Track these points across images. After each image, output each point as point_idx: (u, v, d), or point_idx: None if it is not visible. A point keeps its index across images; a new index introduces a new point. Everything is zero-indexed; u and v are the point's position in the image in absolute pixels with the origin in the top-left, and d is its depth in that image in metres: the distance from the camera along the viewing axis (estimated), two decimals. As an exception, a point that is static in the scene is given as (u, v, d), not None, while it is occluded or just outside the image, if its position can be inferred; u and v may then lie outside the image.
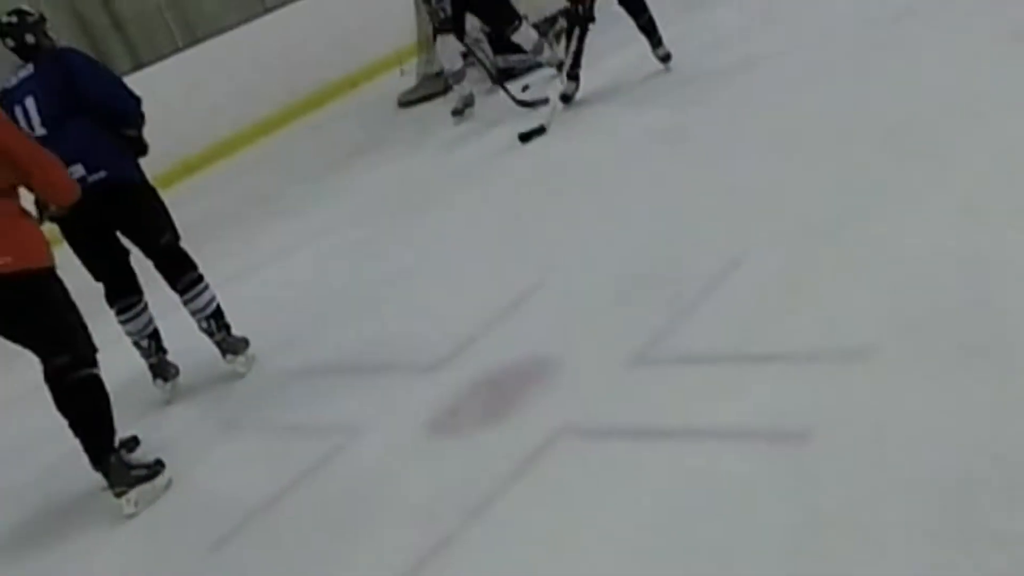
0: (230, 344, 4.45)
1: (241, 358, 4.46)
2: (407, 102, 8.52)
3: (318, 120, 9.45)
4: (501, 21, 7.14)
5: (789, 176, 4.16)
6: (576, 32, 6.45)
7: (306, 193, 7.08)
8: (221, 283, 4.61)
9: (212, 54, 9.23)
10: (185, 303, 4.40)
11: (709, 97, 5.67)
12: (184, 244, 4.44)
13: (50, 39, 4.40)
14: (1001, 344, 2.58)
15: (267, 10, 9.70)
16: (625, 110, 6.16)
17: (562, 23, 7.95)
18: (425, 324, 4.20)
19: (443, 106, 7.75)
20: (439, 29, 7.21)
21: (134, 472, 3.68)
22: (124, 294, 4.39)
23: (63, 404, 3.61)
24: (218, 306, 4.45)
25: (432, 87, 8.53)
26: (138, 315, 4.45)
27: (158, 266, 4.41)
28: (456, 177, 6.17)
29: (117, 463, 3.66)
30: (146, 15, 9.45)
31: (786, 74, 5.45)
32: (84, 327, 3.72)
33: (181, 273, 4.36)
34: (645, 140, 5.40)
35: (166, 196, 4.58)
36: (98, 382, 3.66)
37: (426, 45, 8.71)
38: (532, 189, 5.39)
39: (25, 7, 4.46)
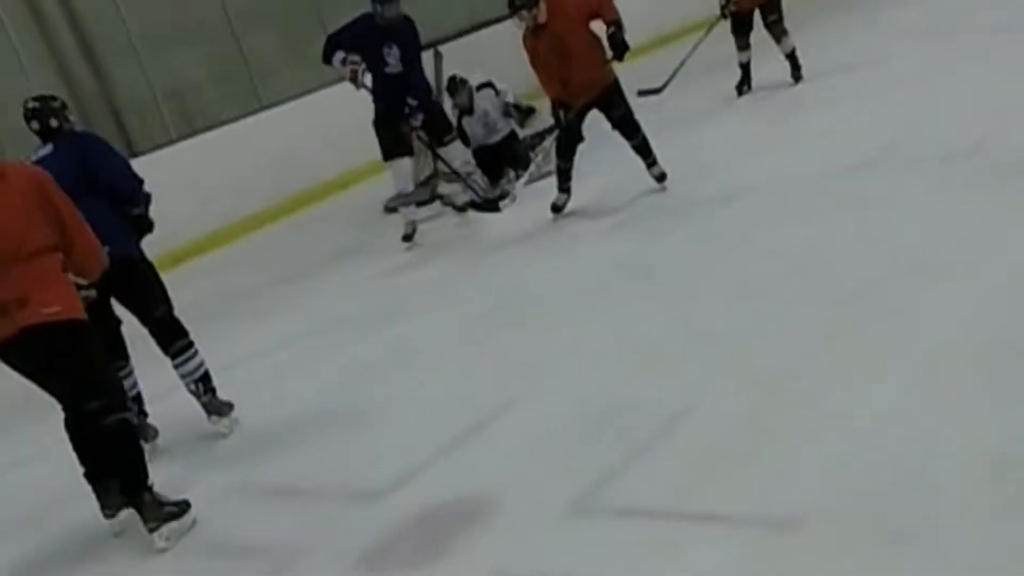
0: (215, 406, 4.77)
1: (225, 420, 4.78)
2: (392, 208, 8.54)
3: (306, 220, 9.48)
4: (440, 132, 7.34)
5: (749, 325, 4.16)
6: (561, 144, 6.62)
7: (281, 295, 7.09)
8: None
9: (206, 146, 9.29)
10: (176, 367, 4.73)
11: (683, 230, 5.75)
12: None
13: (70, 122, 4.79)
14: (930, 531, 2.55)
15: (264, 107, 9.77)
16: (599, 236, 6.20)
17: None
18: (374, 447, 4.16)
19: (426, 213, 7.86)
20: (393, 152, 7.28)
21: (167, 509, 3.93)
22: (113, 358, 4.54)
23: (95, 447, 3.93)
24: (206, 371, 4.77)
25: (418, 195, 8.56)
26: (124, 378, 4.66)
27: (153, 334, 4.74)
28: (426, 291, 6.19)
29: (151, 500, 3.91)
30: (143, 104, 9.54)
31: (761, 212, 5.56)
32: (117, 375, 4.24)
33: (173, 340, 4.71)
34: (614, 272, 5.41)
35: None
36: (131, 425, 3.98)
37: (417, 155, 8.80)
38: (498, 312, 5.37)
39: (48, 93, 4.94)
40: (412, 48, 7.04)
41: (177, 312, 4.79)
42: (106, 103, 9.66)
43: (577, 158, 6.67)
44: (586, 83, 6.38)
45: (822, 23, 10.69)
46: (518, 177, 7.97)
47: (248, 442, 4.65)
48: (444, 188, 7.86)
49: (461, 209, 7.54)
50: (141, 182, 4.79)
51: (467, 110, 8.20)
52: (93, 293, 4.11)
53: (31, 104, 4.71)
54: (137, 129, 9.72)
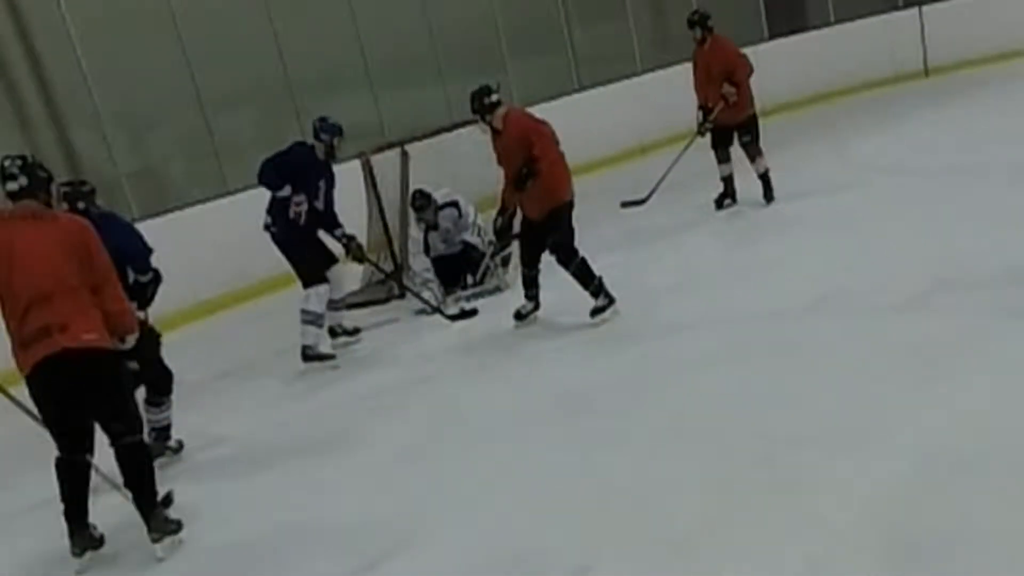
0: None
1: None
2: (351, 304, 8.47)
3: (264, 308, 9.36)
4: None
5: (662, 482, 4.09)
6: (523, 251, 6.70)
7: (223, 389, 7.00)
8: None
9: (169, 228, 9.22)
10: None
11: (621, 361, 5.70)
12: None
13: (97, 206, 5.43)
14: None
15: (229, 192, 9.71)
16: (538, 359, 6.13)
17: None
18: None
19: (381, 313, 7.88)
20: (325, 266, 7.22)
21: (169, 524, 4.51)
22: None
23: (119, 462, 4.44)
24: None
25: (375, 293, 8.54)
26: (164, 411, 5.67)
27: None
28: (364, 402, 6.06)
29: (159, 513, 4.49)
30: (110, 182, 9.48)
31: (696, 352, 5.52)
32: (136, 404, 4.69)
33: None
34: (544, 401, 5.34)
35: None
36: (145, 447, 4.60)
37: (374, 250, 8.78)
38: (418, 436, 5.30)
39: (83, 179, 5.67)
40: (333, 186, 7.16)
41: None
42: (70, 174, 9.63)
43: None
44: (533, 198, 6.41)
45: (794, 145, 10.81)
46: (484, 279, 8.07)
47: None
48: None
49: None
50: (151, 252, 5.47)
51: (432, 226, 8.19)
52: (135, 365, 4.88)
53: (64, 188, 5.03)
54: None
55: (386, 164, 8.81)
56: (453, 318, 7.28)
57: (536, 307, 6.73)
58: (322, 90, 11.14)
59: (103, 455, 4.51)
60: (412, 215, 8.33)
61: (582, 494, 4.15)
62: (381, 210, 8.62)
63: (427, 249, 8.22)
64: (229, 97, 10.46)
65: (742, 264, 7.19)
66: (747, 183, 8.81)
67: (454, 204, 8.24)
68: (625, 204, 9.24)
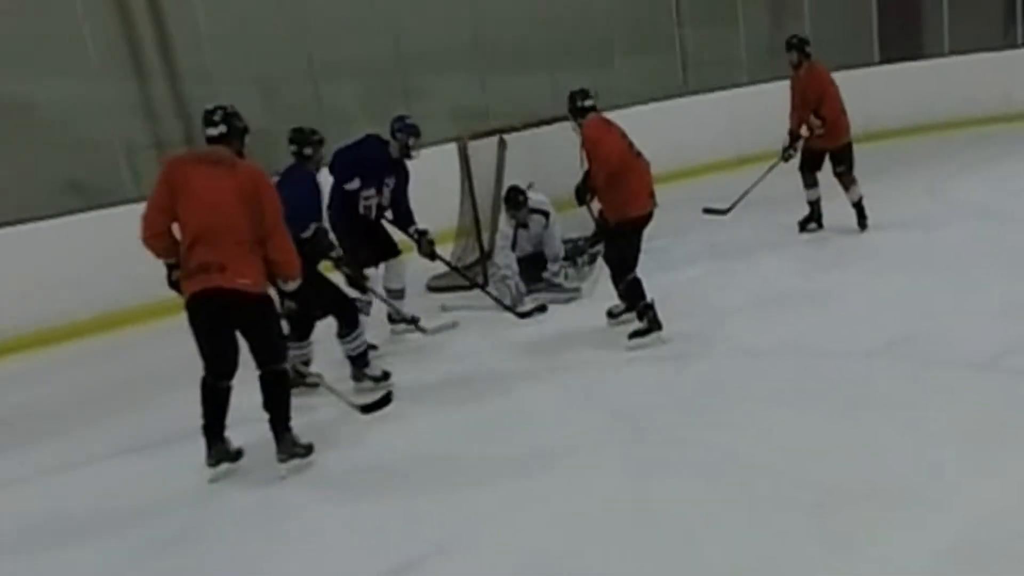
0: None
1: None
2: (434, 287, 8.42)
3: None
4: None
5: (709, 519, 3.93)
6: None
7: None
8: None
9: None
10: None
11: (680, 384, 5.56)
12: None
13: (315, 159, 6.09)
14: None
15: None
16: (599, 369, 5.92)
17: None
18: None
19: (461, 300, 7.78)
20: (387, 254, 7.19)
21: (296, 448, 4.91)
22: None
23: (262, 386, 4.85)
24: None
25: (459, 279, 8.45)
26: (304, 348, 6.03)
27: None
28: (409, 394, 5.84)
29: (289, 436, 4.91)
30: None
31: (757, 384, 5.33)
32: (283, 337, 5.08)
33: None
34: (597, 416, 5.20)
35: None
36: (286, 375, 4.92)
37: (463, 236, 8.75)
38: (471, 440, 5.15)
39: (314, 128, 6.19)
40: (406, 185, 7.07)
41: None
42: (181, 127, 9.77)
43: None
44: (607, 206, 6.38)
45: (891, 174, 10.45)
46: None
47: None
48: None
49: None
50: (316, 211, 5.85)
51: (523, 225, 8.11)
52: (294, 306, 5.24)
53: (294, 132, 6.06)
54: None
55: (482, 150, 8.75)
56: (523, 315, 7.15)
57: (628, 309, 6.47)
58: (431, 69, 11.10)
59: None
60: (503, 210, 8.25)
61: (624, 518, 4.03)
62: (473, 196, 8.57)
63: (514, 246, 8.12)
64: (339, 68, 10.43)
65: (819, 293, 6.92)
66: (835, 209, 8.54)
67: (544, 214, 8.15)
68: (707, 211, 9.04)
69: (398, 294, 7.30)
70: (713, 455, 4.50)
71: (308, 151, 5.98)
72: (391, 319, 7.28)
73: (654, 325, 6.17)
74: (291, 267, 4.87)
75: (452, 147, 8.52)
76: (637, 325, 6.20)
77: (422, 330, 6.96)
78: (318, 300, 5.82)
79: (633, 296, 6.23)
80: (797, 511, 3.89)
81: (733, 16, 13.71)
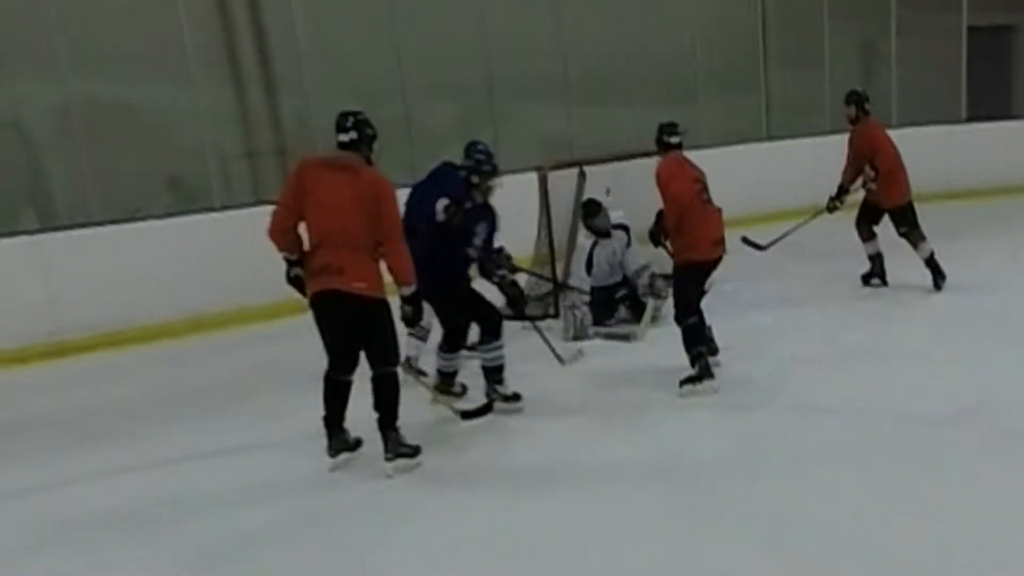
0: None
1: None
2: (506, 316, 8.24)
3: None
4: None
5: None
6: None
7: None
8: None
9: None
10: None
11: (744, 437, 5.36)
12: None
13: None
14: None
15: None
16: (660, 414, 5.77)
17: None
18: None
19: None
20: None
21: (402, 448, 5.02)
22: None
23: (373, 386, 4.97)
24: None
25: (532, 308, 8.36)
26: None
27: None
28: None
29: (395, 436, 5.01)
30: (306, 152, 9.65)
31: (825, 443, 5.13)
32: (396, 342, 5.09)
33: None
34: (652, 465, 5.02)
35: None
36: (396, 378, 5.04)
37: (538, 264, 8.68)
38: (512, 476, 5.06)
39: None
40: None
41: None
42: (274, 136, 9.87)
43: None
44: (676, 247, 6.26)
45: (970, 234, 10.15)
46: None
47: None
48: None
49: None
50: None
51: (604, 234, 8.02)
52: (409, 310, 5.06)
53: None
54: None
55: (562, 181, 8.68)
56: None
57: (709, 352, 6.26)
58: (520, 96, 11.10)
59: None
60: (581, 226, 8.17)
61: (665, 570, 3.90)
62: (550, 227, 8.50)
63: (589, 265, 7.99)
64: (431, 89, 10.47)
65: (886, 351, 6.68)
66: (904, 266, 8.35)
67: (626, 229, 8.07)
68: (745, 241, 8.86)
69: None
70: (765, 512, 4.34)
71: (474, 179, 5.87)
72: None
73: (705, 373, 6.04)
74: (405, 273, 4.93)
75: (533, 176, 8.48)
76: (736, 366, 6.19)
77: (560, 360, 6.77)
78: (463, 307, 5.88)
79: (689, 340, 6.10)
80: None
81: (820, 61, 13.50)
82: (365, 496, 4.85)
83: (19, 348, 8.08)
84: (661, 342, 6.91)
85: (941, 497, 4.39)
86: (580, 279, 7.89)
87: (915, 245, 8.25)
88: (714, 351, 6.48)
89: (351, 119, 4.94)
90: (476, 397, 6.05)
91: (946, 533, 4.02)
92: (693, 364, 6.07)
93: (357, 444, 5.21)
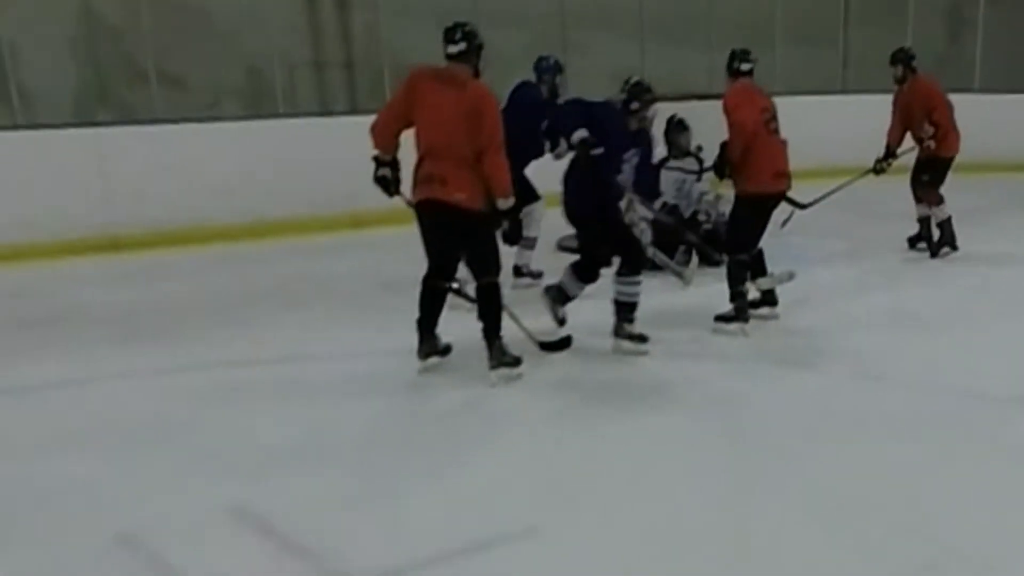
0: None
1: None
2: (564, 247, 7.85)
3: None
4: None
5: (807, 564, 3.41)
6: None
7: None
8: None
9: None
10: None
11: (801, 402, 4.94)
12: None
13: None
14: None
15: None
16: (703, 369, 5.37)
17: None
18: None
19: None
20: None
21: (505, 357, 4.99)
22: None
23: (477, 297, 5.04)
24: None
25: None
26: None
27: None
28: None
29: (499, 345, 5.00)
30: (375, 69, 9.37)
31: (881, 416, 4.68)
32: (497, 253, 5.01)
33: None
34: (692, 428, 4.61)
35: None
36: (497, 288, 5.01)
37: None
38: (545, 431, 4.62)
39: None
40: None
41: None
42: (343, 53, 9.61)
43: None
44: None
45: None
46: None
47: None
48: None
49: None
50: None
51: (684, 153, 7.71)
52: (506, 224, 5.03)
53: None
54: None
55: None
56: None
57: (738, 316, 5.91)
58: (593, 27, 10.76)
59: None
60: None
61: (715, 544, 3.47)
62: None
63: (654, 191, 7.63)
64: (503, 14, 10.09)
65: (957, 324, 6.24)
66: (977, 236, 7.94)
67: (700, 160, 7.77)
68: (786, 199, 8.45)
69: (530, 243, 6.95)
70: (820, 483, 3.93)
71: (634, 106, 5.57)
72: (516, 271, 6.98)
73: (740, 316, 5.82)
74: (502, 186, 4.86)
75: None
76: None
77: (682, 279, 6.55)
78: (609, 236, 5.50)
79: (733, 277, 5.85)
80: (907, 567, 3.33)
81: (904, 21, 12.96)
82: (461, 401, 4.85)
83: (74, 239, 7.96)
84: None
85: (1009, 484, 4.02)
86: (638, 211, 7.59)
87: (931, 203, 7.93)
88: (773, 302, 6.19)
89: (459, 31, 4.92)
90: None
91: (1015, 526, 3.63)
92: (732, 300, 5.86)
93: (447, 350, 5.20)
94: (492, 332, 5.01)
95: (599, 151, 5.31)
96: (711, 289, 6.44)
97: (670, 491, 3.89)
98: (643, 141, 5.73)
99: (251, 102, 9.04)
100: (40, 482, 3.88)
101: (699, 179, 7.78)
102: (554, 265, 6.57)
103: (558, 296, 5.80)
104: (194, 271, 7.67)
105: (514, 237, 5.22)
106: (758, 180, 5.79)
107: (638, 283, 5.48)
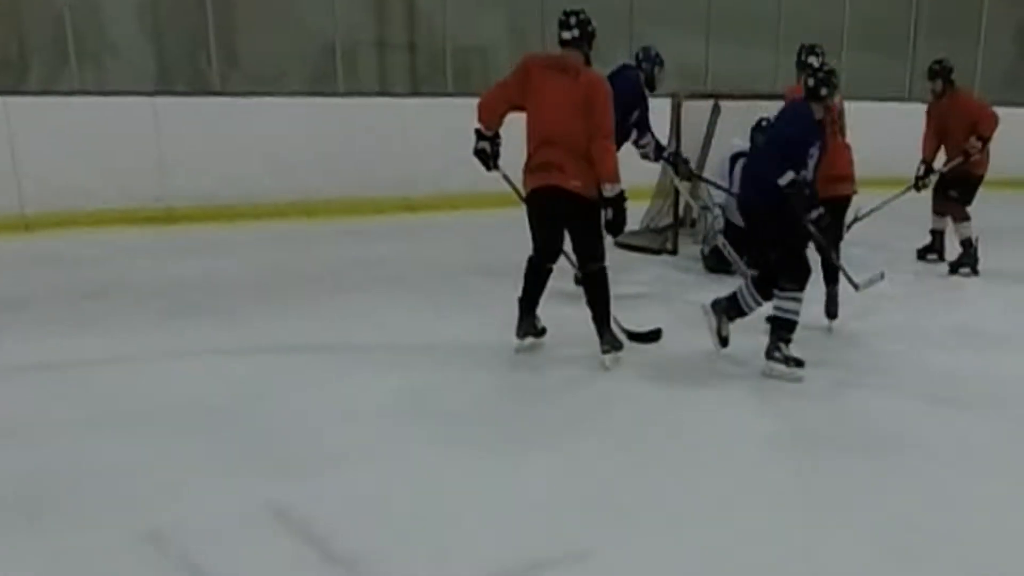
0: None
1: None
2: (621, 243, 7.36)
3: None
4: None
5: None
6: None
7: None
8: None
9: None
10: None
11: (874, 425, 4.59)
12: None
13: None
14: None
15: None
16: (762, 398, 4.91)
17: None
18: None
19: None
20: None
21: (616, 341, 5.05)
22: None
23: (583, 283, 5.11)
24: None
25: (651, 240, 7.86)
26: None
27: None
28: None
29: (610, 331, 5.04)
30: (435, 52, 9.08)
31: (958, 441, 4.32)
32: (602, 240, 4.99)
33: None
34: (749, 445, 4.28)
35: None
36: (605, 273, 5.01)
37: (661, 196, 8.10)
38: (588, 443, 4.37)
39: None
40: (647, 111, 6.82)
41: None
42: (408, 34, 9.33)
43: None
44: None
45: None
46: None
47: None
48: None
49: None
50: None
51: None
52: (611, 212, 4.83)
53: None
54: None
55: (694, 111, 8.05)
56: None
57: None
58: (659, 22, 10.42)
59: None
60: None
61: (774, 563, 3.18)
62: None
63: (729, 177, 7.36)
64: (571, 6, 9.76)
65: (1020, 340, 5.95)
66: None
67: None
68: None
69: None
70: (889, 516, 3.56)
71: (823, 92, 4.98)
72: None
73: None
74: (609, 171, 4.79)
75: (664, 102, 7.80)
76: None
77: (855, 285, 6.01)
78: (781, 239, 5.00)
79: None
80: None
81: (975, 33, 12.48)
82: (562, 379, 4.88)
83: (127, 209, 7.76)
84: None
85: None
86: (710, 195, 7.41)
87: (956, 218, 7.63)
88: (832, 314, 5.89)
89: (574, 18, 4.91)
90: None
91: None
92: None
93: (543, 331, 5.25)
94: (602, 317, 5.03)
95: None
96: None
97: (730, 515, 3.55)
98: (823, 132, 5.11)
99: (311, 79, 8.76)
100: (78, 465, 3.63)
101: None
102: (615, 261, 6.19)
103: (730, 308, 5.24)
104: (245, 247, 7.43)
105: (618, 227, 4.92)
106: (832, 185, 5.59)
107: (800, 300, 5.00)
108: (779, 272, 5.01)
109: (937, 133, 7.66)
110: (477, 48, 9.77)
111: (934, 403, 4.79)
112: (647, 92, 6.67)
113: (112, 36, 8.32)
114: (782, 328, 5.02)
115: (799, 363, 5.01)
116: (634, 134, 6.61)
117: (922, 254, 8.01)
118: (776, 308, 5.04)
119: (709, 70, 10.65)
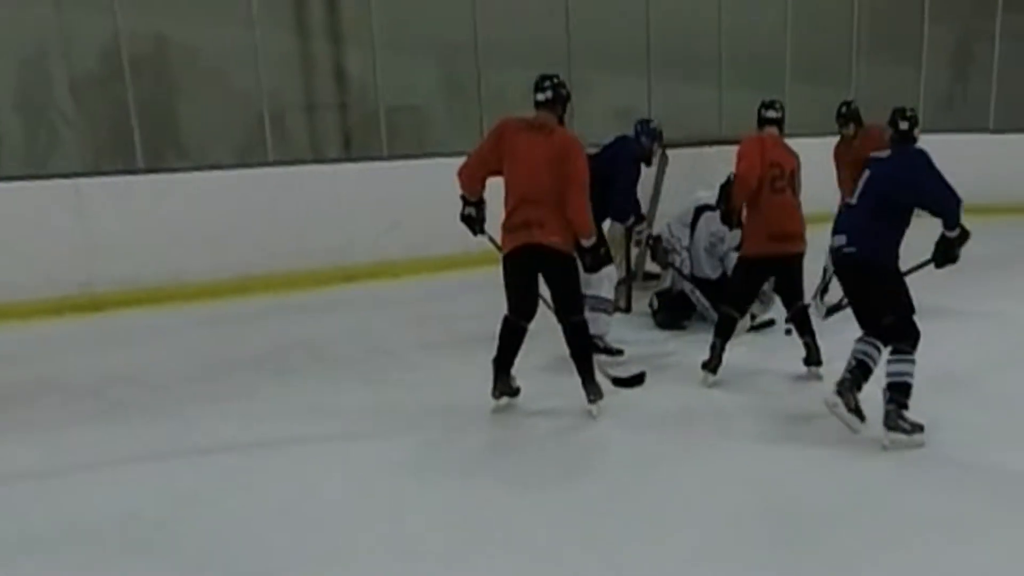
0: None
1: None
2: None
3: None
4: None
5: None
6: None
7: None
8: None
9: (424, 170, 8.50)
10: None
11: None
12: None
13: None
14: None
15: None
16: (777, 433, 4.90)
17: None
18: None
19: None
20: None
21: (600, 391, 5.23)
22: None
23: (565, 335, 5.19)
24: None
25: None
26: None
27: None
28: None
29: (593, 381, 5.22)
30: (369, 113, 8.93)
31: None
32: (581, 293, 5.33)
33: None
34: (750, 510, 4.07)
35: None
36: (587, 325, 5.24)
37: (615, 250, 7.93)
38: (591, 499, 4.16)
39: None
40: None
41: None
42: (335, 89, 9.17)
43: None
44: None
45: None
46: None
47: None
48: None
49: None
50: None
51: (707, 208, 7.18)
52: (589, 260, 5.16)
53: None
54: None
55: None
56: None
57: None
58: (599, 65, 10.34)
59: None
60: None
61: None
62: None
63: (692, 229, 7.23)
64: (505, 50, 9.67)
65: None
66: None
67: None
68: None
69: (605, 305, 6.47)
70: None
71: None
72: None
73: (706, 363, 5.75)
74: (584, 226, 5.04)
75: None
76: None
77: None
78: (882, 294, 4.78)
79: (717, 328, 5.79)
80: None
81: (914, 58, 12.62)
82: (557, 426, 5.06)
83: (51, 298, 7.41)
84: (762, 344, 6.45)
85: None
86: (677, 238, 7.26)
87: None
88: (816, 361, 5.80)
89: (548, 81, 5.17)
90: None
91: None
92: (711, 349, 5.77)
93: (518, 391, 5.34)
94: (586, 367, 5.23)
95: None
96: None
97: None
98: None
99: (241, 148, 8.50)
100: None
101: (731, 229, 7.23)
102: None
103: (861, 378, 4.82)
104: (177, 332, 7.11)
105: (595, 269, 5.38)
106: (753, 240, 5.76)
107: (914, 361, 4.67)
108: (892, 335, 4.74)
109: (854, 175, 7.48)
110: (410, 107, 9.60)
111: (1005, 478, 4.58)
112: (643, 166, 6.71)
113: (32, 118, 8.02)
114: (901, 394, 4.66)
115: (920, 428, 4.70)
116: (631, 219, 6.64)
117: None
118: (890, 374, 4.69)
119: (653, 115, 10.56)
